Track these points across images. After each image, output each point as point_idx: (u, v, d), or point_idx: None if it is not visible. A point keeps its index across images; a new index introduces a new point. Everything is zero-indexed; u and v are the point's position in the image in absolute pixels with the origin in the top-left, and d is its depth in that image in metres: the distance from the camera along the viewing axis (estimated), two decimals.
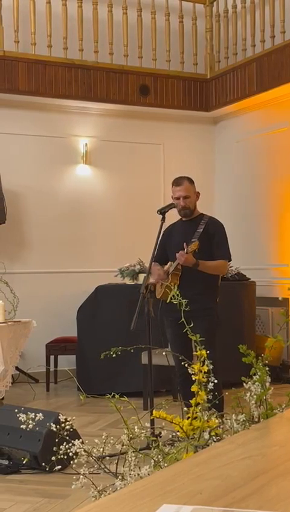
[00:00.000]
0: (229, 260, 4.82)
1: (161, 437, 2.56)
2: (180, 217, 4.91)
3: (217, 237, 4.73)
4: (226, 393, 2.30)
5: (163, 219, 4.65)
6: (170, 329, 4.75)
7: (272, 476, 1.22)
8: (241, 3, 7.43)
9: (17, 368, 6.65)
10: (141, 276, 6.48)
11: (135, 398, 3.18)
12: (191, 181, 4.82)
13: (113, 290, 6.65)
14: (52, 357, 6.98)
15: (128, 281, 6.69)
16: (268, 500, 1.11)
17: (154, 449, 2.06)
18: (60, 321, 7.20)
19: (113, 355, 2.23)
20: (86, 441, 2.20)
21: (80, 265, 7.58)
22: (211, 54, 8.05)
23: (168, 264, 4.84)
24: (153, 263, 4.71)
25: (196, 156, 8.22)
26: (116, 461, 2.20)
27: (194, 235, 4.64)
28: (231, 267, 6.84)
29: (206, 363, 2.06)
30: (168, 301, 4.22)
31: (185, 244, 4.49)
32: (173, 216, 4.93)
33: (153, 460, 2.00)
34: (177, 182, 4.81)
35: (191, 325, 2.18)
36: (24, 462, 3.85)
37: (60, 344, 6.93)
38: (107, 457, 2.12)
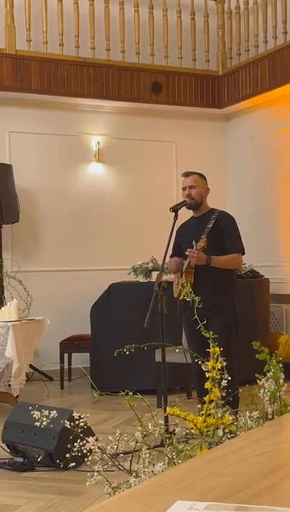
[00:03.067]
0: (243, 253, 4.77)
1: (175, 434, 2.56)
2: (192, 215, 4.91)
3: (228, 231, 4.70)
4: (240, 390, 2.30)
5: (175, 216, 4.65)
6: (187, 326, 4.76)
7: (287, 472, 1.22)
8: None
9: (31, 366, 6.68)
10: (154, 274, 6.48)
11: (148, 395, 3.18)
12: (201, 175, 4.84)
13: (126, 288, 6.65)
14: (66, 355, 7.00)
15: (141, 279, 6.69)
16: (282, 496, 1.11)
17: (168, 446, 2.06)
18: (74, 319, 7.21)
19: (127, 353, 2.22)
20: (100, 438, 2.20)
21: (93, 263, 7.59)
22: (223, 51, 8.03)
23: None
24: (171, 259, 4.73)
25: (209, 153, 8.20)
26: (130, 458, 2.21)
27: (203, 231, 4.63)
28: (244, 264, 6.82)
29: (219, 360, 2.05)
30: (181, 298, 4.23)
31: (194, 242, 4.49)
32: (186, 214, 4.93)
33: (167, 458, 2.00)
34: (186, 173, 4.87)
35: (204, 322, 2.18)
36: (39, 459, 3.86)
37: (74, 342, 6.95)
38: (121, 455, 2.13)
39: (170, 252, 4.76)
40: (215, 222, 4.68)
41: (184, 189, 4.80)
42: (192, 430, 2.07)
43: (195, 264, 4.53)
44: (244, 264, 6.80)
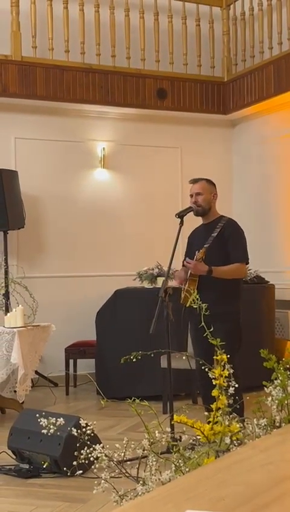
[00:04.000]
0: (247, 263, 4.77)
1: (181, 441, 2.56)
2: (202, 222, 4.90)
3: (233, 240, 4.68)
4: (247, 397, 2.29)
5: (181, 223, 4.64)
6: (192, 332, 4.77)
7: None
8: (258, 5, 7.42)
9: (36, 372, 6.68)
10: (160, 280, 6.48)
11: (154, 402, 3.18)
12: (209, 181, 4.83)
13: (131, 294, 6.65)
14: (71, 361, 6.99)
15: (146, 285, 6.69)
16: None
17: (175, 453, 2.05)
18: (79, 325, 7.21)
19: (134, 360, 2.22)
20: (106, 445, 2.20)
21: (99, 269, 7.59)
22: (228, 57, 8.04)
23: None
24: (182, 268, 4.74)
25: (214, 159, 8.20)
26: (137, 465, 2.21)
27: (207, 240, 4.63)
28: (249, 270, 6.82)
29: (226, 367, 2.05)
30: (187, 305, 4.23)
31: (196, 252, 4.51)
32: (193, 220, 4.92)
33: (174, 465, 2.00)
34: (193, 180, 4.87)
35: (211, 329, 2.18)
36: (44, 466, 3.87)
37: (79, 348, 6.95)
38: (128, 462, 2.12)
39: (176, 257, 4.75)
40: (220, 231, 4.67)
41: (191, 196, 4.80)
42: (199, 437, 2.07)
43: (195, 273, 4.53)
44: (250, 270, 6.80)
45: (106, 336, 6.56)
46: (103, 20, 7.32)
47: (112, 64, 7.39)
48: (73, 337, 7.08)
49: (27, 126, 7.35)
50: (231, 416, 2.01)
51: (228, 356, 2.11)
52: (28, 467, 4.19)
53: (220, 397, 1.98)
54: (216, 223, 4.73)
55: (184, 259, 4.80)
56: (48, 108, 7.32)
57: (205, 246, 4.56)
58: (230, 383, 2.06)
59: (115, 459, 2.08)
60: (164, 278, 4.67)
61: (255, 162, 8.05)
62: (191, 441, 2.28)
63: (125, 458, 2.13)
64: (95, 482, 2.01)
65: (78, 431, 2.10)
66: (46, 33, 7.12)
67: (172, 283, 5.41)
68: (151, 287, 6.62)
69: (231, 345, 4.43)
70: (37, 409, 4.86)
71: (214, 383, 2.07)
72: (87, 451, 2.01)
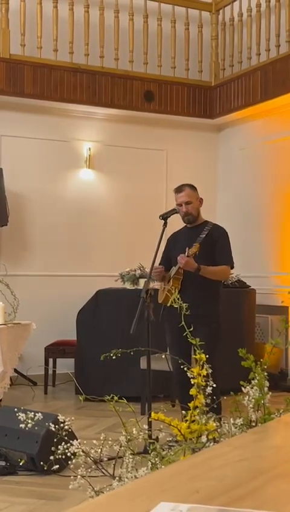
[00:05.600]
0: (232, 267, 4.82)
1: (158, 442, 2.57)
2: (185, 224, 4.93)
3: (220, 243, 4.74)
4: (224, 397, 2.31)
5: (165, 224, 4.67)
6: (169, 334, 4.77)
7: (269, 478, 1.23)
8: (247, 12, 7.47)
9: (15, 370, 6.66)
10: (142, 281, 6.49)
11: (132, 403, 3.19)
12: (192, 187, 4.85)
13: (113, 294, 6.66)
14: (50, 360, 6.99)
15: (128, 286, 6.70)
16: (265, 500, 1.12)
17: (151, 451, 2.06)
18: (60, 324, 7.21)
19: (113, 357, 2.24)
20: (84, 447, 2.21)
21: (81, 269, 7.59)
22: (216, 62, 8.08)
23: (171, 269, 4.85)
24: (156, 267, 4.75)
25: (199, 162, 8.24)
26: (113, 463, 2.21)
27: (196, 240, 4.66)
28: (231, 274, 6.85)
29: (205, 367, 2.07)
30: (168, 305, 4.25)
31: (187, 248, 4.51)
32: (176, 222, 4.95)
33: (150, 463, 2.01)
34: (178, 188, 4.85)
35: (191, 329, 2.19)
36: (21, 463, 3.85)
37: (59, 347, 6.94)
38: (105, 459, 2.13)
39: (157, 259, 4.77)
40: (208, 233, 4.71)
41: (180, 205, 4.79)
42: (176, 437, 2.08)
43: (183, 268, 4.55)
44: (231, 274, 6.83)
45: (87, 335, 6.56)
46: (92, 20, 7.33)
47: (100, 65, 7.40)
48: (53, 336, 7.07)
49: (13, 124, 7.34)
50: (208, 415, 2.02)
51: (208, 357, 2.13)
52: (4, 464, 4.18)
53: (198, 396, 2.00)
54: (202, 227, 4.77)
55: (160, 263, 4.79)
56: (34, 106, 7.32)
57: (195, 243, 4.56)
58: (208, 383, 2.08)
59: (92, 456, 2.09)
60: (146, 279, 4.68)
61: (240, 167, 8.10)
62: (168, 439, 2.30)
63: (102, 456, 2.14)
64: (72, 477, 2.02)
65: (56, 426, 2.11)
66: (35, 31, 7.11)
67: (154, 284, 5.43)
68: (133, 288, 6.63)
69: (211, 347, 4.46)
70: (16, 407, 4.84)
71: (192, 382, 2.08)
72: (65, 446, 2.02)
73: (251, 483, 1.20)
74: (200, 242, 4.59)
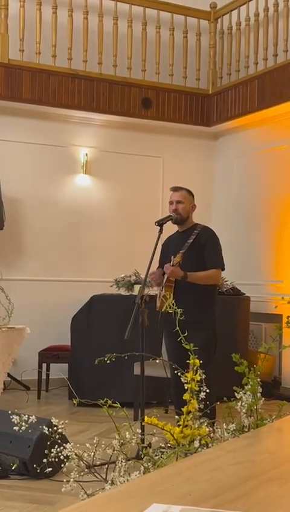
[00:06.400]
0: (222, 269, 4.83)
1: (151, 447, 2.58)
2: (177, 229, 4.96)
3: (209, 246, 4.75)
4: (218, 403, 2.32)
5: (160, 231, 4.69)
6: (167, 339, 4.80)
7: (261, 481, 1.25)
8: (246, 21, 7.52)
9: (8, 375, 6.65)
10: (136, 287, 6.51)
11: (125, 409, 3.18)
12: (189, 192, 4.91)
13: (107, 300, 6.67)
14: (44, 364, 6.98)
15: (123, 292, 6.71)
16: (256, 503, 1.13)
17: (144, 456, 2.07)
18: (54, 329, 7.21)
19: (108, 362, 2.25)
20: (77, 450, 2.21)
21: (77, 274, 7.60)
22: (214, 70, 8.12)
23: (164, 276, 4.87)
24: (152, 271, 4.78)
25: (196, 170, 8.26)
26: (106, 468, 2.22)
27: (183, 246, 4.69)
28: (226, 281, 6.87)
29: (198, 372, 2.08)
30: (163, 310, 4.27)
31: (172, 256, 4.56)
32: (172, 228, 4.97)
33: (143, 467, 2.02)
34: (175, 188, 4.94)
35: (185, 334, 2.21)
36: (13, 467, 3.86)
37: (53, 352, 6.94)
38: (98, 462, 2.14)
39: (153, 265, 4.79)
40: (196, 237, 4.74)
41: (171, 203, 4.86)
42: (169, 443, 2.09)
43: (170, 277, 4.59)
44: (226, 281, 6.86)
45: (81, 341, 6.56)
46: (91, 27, 7.37)
47: (98, 71, 7.43)
48: (47, 341, 7.07)
49: (11, 128, 7.35)
50: (201, 420, 2.03)
51: (203, 364, 2.14)
52: None
53: (191, 401, 2.01)
54: (192, 230, 4.81)
55: (158, 268, 4.84)
56: (32, 112, 7.34)
57: (181, 251, 4.61)
58: (201, 388, 2.09)
59: (84, 459, 2.10)
60: (141, 285, 4.69)
61: (236, 175, 8.13)
62: (161, 444, 2.30)
63: (95, 459, 2.15)
64: (64, 481, 2.03)
65: (50, 429, 2.12)
66: (34, 37, 7.14)
67: (149, 290, 5.44)
68: (128, 294, 6.64)
69: (205, 352, 4.48)
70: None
71: (185, 387, 2.09)
72: (58, 449, 2.03)
73: (242, 486, 1.21)
74: (186, 249, 4.62)
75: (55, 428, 2.09)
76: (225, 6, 7.97)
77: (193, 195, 4.93)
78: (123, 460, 2.07)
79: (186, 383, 2.09)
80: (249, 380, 1.88)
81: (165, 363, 4.04)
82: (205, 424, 2.00)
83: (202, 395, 2.09)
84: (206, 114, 8.05)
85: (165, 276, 4.68)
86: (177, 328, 2.22)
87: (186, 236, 4.78)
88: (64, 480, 2.04)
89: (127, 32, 7.54)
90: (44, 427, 2.18)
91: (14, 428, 2.20)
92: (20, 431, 2.12)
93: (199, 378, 2.05)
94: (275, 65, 7.10)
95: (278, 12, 7.15)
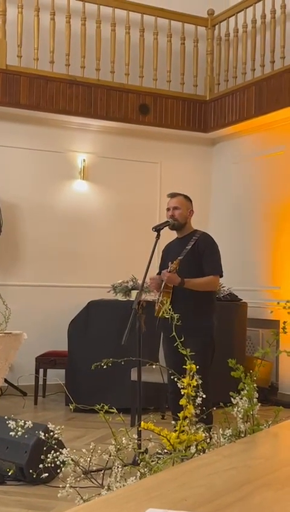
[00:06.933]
0: (220, 275, 4.83)
1: (147, 453, 2.57)
2: (177, 235, 4.97)
3: (207, 253, 4.75)
4: (214, 408, 2.32)
5: (158, 236, 4.69)
6: (164, 345, 4.81)
7: (257, 486, 1.25)
8: (243, 27, 7.54)
9: (5, 380, 6.64)
10: (134, 293, 6.51)
11: (122, 414, 3.19)
12: (187, 198, 4.91)
13: (104, 306, 6.67)
14: (41, 370, 6.97)
15: (120, 297, 6.71)
16: (252, 508, 1.13)
17: (140, 462, 2.07)
18: (51, 335, 7.20)
19: (104, 367, 2.24)
20: (73, 456, 2.21)
21: (74, 280, 7.60)
22: (211, 76, 8.14)
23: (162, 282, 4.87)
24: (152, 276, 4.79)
25: (193, 176, 8.28)
26: (102, 473, 2.22)
27: (181, 252, 4.69)
28: (223, 287, 6.88)
29: (195, 377, 2.08)
30: (160, 315, 4.27)
31: (169, 263, 4.57)
32: (170, 233, 4.97)
33: (139, 472, 2.01)
34: (172, 194, 4.94)
35: (182, 339, 2.21)
36: (10, 473, 3.85)
37: (50, 358, 6.93)
38: (94, 468, 2.14)
39: (150, 271, 4.79)
40: (194, 244, 4.74)
41: (168, 209, 4.87)
42: (165, 449, 2.09)
43: (167, 284, 4.59)
44: (223, 287, 6.86)
45: (78, 347, 6.56)
46: (89, 33, 7.39)
47: (96, 78, 7.44)
48: (44, 346, 7.07)
49: (8, 134, 7.36)
50: (197, 425, 2.03)
51: (200, 370, 2.14)
52: None
53: (188, 406, 2.01)
54: (190, 237, 4.81)
55: (144, 275, 4.82)
56: (30, 117, 7.35)
57: (179, 257, 4.62)
58: (198, 394, 2.09)
59: (81, 465, 2.10)
60: (138, 291, 4.69)
61: (233, 181, 8.14)
62: (158, 450, 2.30)
63: (91, 464, 2.15)
64: (60, 486, 2.02)
65: (46, 435, 2.11)
66: (32, 43, 7.16)
67: (146, 296, 5.45)
68: (125, 299, 6.64)
69: (202, 358, 4.48)
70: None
71: (182, 393, 2.09)
72: (54, 455, 2.03)
73: (238, 491, 1.21)
74: (184, 255, 4.63)
75: (51, 433, 2.09)
76: (223, 13, 8.00)
77: (190, 201, 4.94)
78: (119, 466, 2.07)
79: (183, 388, 2.09)
80: (246, 386, 1.88)
81: (162, 369, 4.03)
82: (202, 430, 2.00)
83: (199, 400, 2.09)
84: (203, 120, 8.07)
85: (164, 282, 4.68)
86: (174, 333, 2.22)
87: (185, 243, 4.79)
88: (61, 485, 2.03)
89: (125, 38, 7.57)
90: (40, 432, 2.18)
91: (11, 433, 2.20)
92: (17, 436, 2.12)
93: (195, 383, 2.05)
94: (272, 71, 7.12)
95: (275, 19, 7.18)
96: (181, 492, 1.21)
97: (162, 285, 4.69)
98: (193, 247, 4.72)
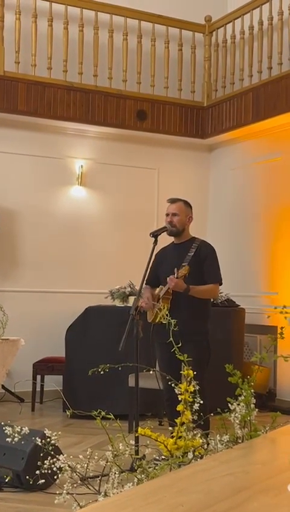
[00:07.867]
0: (220, 284, 4.85)
1: (144, 459, 2.57)
2: (172, 240, 4.96)
3: (208, 261, 4.76)
4: (211, 414, 2.32)
5: (155, 242, 4.69)
6: (159, 352, 4.78)
7: (254, 492, 1.24)
8: (240, 34, 7.56)
9: (2, 387, 6.63)
10: (131, 299, 6.50)
11: (120, 421, 3.20)
12: (186, 203, 4.91)
13: (102, 312, 6.66)
14: (39, 376, 6.95)
15: (118, 303, 6.71)
16: None
17: (138, 468, 2.07)
18: (49, 341, 7.19)
19: (101, 372, 2.24)
20: (70, 462, 2.20)
21: (72, 285, 7.59)
22: (209, 83, 8.16)
23: (159, 287, 4.86)
24: (144, 286, 4.74)
25: (191, 182, 8.29)
26: (99, 480, 2.21)
27: (184, 259, 4.68)
28: (221, 293, 6.87)
29: (192, 383, 2.08)
30: (157, 321, 4.26)
31: (175, 269, 4.54)
32: (166, 238, 4.97)
33: (136, 478, 2.01)
34: (172, 200, 4.93)
35: (180, 344, 2.20)
36: (7, 480, 3.84)
37: (48, 364, 6.92)
38: (91, 474, 2.13)
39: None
40: (196, 251, 4.73)
41: (167, 215, 4.85)
42: (162, 455, 2.09)
43: (173, 290, 4.57)
44: (221, 293, 6.86)
45: (75, 353, 6.55)
46: (86, 39, 7.40)
47: (93, 84, 7.45)
48: (42, 352, 7.05)
49: (6, 140, 7.36)
50: (194, 431, 2.03)
51: (196, 374, 2.13)
52: None
53: (185, 412, 2.01)
54: (190, 244, 4.80)
55: (147, 279, 4.79)
56: (28, 123, 7.35)
57: (183, 264, 4.59)
58: (195, 400, 2.09)
59: (78, 471, 2.09)
60: (135, 297, 4.69)
61: (231, 187, 8.15)
62: (155, 457, 2.30)
63: (88, 471, 2.14)
64: (57, 492, 2.02)
65: (43, 441, 2.11)
66: (30, 49, 7.17)
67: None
68: (123, 305, 6.63)
69: (199, 364, 4.47)
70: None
71: (179, 399, 2.09)
72: (51, 461, 2.02)
73: (235, 497, 1.21)
74: (189, 262, 4.62)
75: (48, 440, 2.08)
76: (220, 19, 8.02)
77: (190, 207, 4.93)
78: (117, 472, 2.07)
79: (179, 394, 2.09)
80: (243, 391, 1.88)
81: (158, 375, 4.02)
82: (199, 436, 2.00)
83: (196, 406, 2.08)
84: (201, 126, 8.08)
85: (165, 288, 4.66)
86: (171, 339, 2.22)
87: (183, 249, 4.78)
88: (58, 492, 2.03)
89: (123, 45, 7.58)
90: (37, 438, 2.17)
91: (8, 440, 2.19)
92: (13, 443, 2.11)
93: (192, 389, 2.05)
94: (270, 78, 7.14)
95: (272, 25, 7.20)
96: (178, 498, 1.20)
97: (164, 291, 4.67)
98: (195, 254, 4.71)
